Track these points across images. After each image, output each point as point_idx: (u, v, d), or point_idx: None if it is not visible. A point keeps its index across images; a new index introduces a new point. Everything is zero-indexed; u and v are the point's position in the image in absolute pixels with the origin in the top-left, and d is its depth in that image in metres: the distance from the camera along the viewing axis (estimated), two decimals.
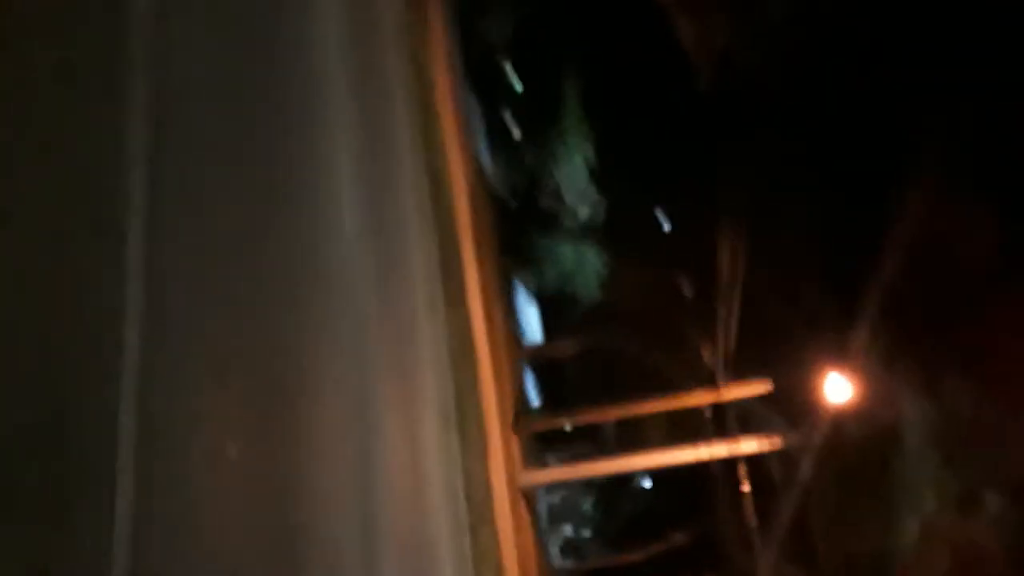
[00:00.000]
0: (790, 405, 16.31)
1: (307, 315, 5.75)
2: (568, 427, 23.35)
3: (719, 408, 18.30)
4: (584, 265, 22.97)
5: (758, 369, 17.50)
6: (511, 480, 16.84)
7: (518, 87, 22.51)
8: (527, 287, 26.18)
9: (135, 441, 3.40)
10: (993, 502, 11.46)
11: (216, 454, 4.04)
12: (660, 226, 22.75)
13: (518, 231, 22.11)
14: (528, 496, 19.87)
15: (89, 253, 3.51)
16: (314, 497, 5.21)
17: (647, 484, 29.15)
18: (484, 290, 15.83)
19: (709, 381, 17.93)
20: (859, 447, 13.12)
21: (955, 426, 12.20)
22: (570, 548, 36.85)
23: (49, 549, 3.01)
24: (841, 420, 14.21)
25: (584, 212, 22.30)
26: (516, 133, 22.69)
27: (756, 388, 17.68)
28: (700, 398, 18.58)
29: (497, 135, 22.41)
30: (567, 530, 36.50)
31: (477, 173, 18.86)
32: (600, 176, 21.45)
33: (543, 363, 26.99)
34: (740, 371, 17.53)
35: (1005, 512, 11.28)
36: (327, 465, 5.53)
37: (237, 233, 4.76)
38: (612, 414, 20.85)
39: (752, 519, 16.96)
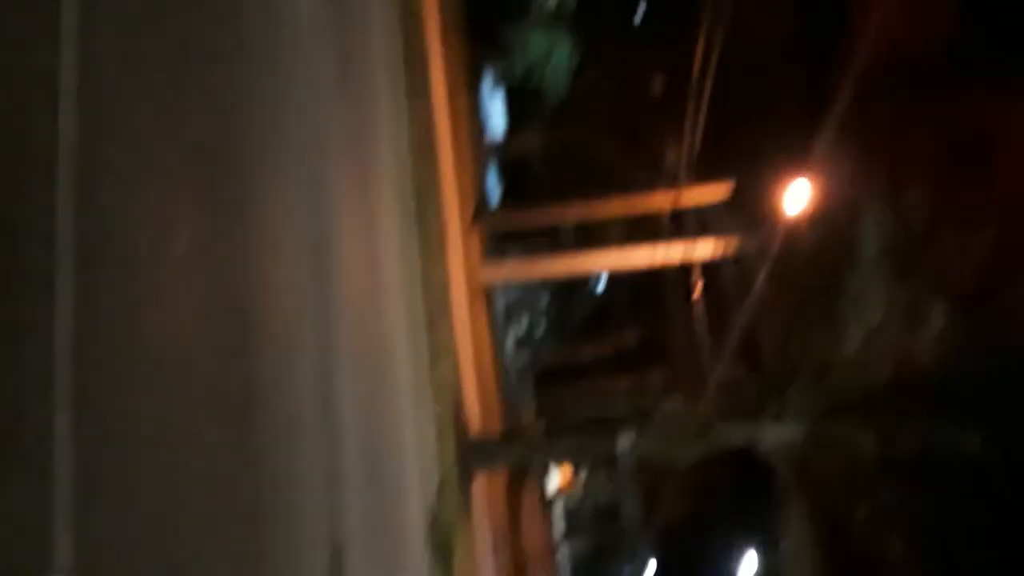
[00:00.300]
0: (749, 211, 16.32)
1: (259, 104, 5.39)
2: (528, 224, 23.37)
3: (678, 211, 18.33)
4: (554, 56, 22.23)
5: (720, 173, 17.42)
6: (469, 276, 16.92)
7: None
8: (494, 77, 25.41)
9: (73, 237, 3.17)
10: (939, 316, 11.76)
11: (162, 249, 3.83)
12: (632, 19, 21.90)
13: (488, 17, 21.15)
14: (487, 294, 20.11)
15: (20, 26, 3.13)
16: (267, 291, 5.07)
17: (602, 285, 29.70)
18: (449, 80, 15.25)
19: (671, 184, 17.83)
20: (814, 255, 13.25)
21: (911, 237, 12.31)
22: (524, 344, 38.01)
23: None
24: (798, 227, 14.28)
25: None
26: None
27: (716, 191, 17.67)
28: (661, 200, 18.57)
29: None
30: (522, 327, 37.51)
31: None
32: None
33: (507, 158, 26.66)
34: (703, 175, 17.43)
35: (950, 326, 11.60)
36: (280, 259, 5.37)
37: (183, 15, 4.34)
38: (572, 213, 20.82)
39: (702, 322, 17.35)
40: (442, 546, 10.65)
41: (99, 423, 3.22)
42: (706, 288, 17.77)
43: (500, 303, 28.43)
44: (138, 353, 3.54)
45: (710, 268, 17.76)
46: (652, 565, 41.51)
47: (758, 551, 23.25)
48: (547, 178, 23.79)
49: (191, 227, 4.05)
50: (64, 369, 3.05)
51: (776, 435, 12.30)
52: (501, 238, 25.24)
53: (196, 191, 4.20)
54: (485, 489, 15.99)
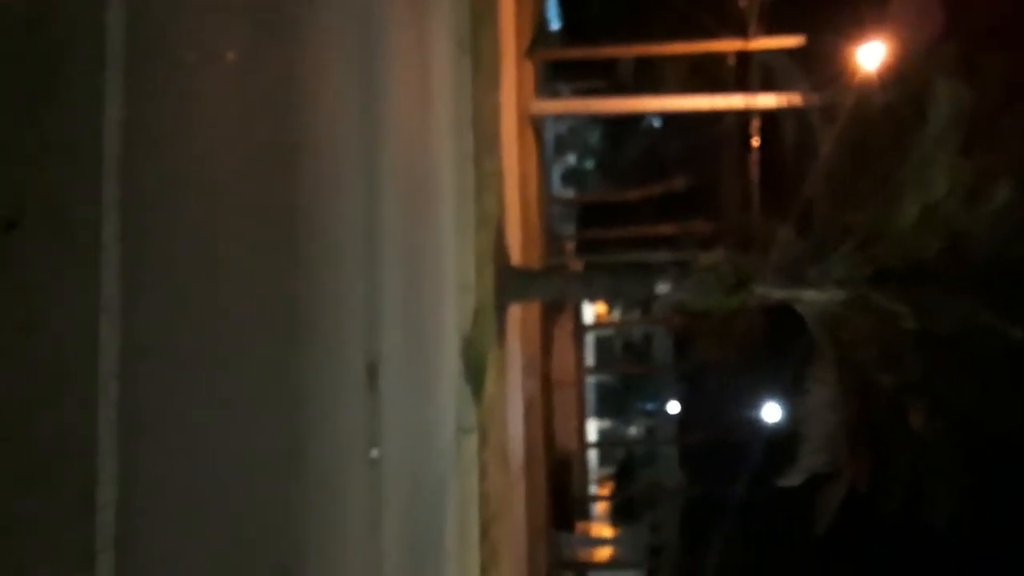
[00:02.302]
0: (819, 66, 15.69)
1: None
2: (586, 58, 22.68)
3: (744, 59, 17.68)
4: None
5: (793, 25, 16.69)
6: (521, 107, 16.65)
7: None
8: None
9: (124, 39, 3.14)
10: (1002, 194, 11.40)
11: (213, 58, 3.80)
12: None
13: None
14: (536, 126, 19.81)
15: None
16: (315, 111, 5.04)
17: (656, 124, 29.06)
18: None
19: (740, 29, 17.13)
20: (880, 120, 12.79)
21: (984, 111, 11.80)
22: (572, 177, 37.76)
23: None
24: (868, 89, 13.75)
25: None
26: None
27: (786, 41, 17.00)
28: (728, 44, 17.92)
29: None
30: (571, 160, 37.17)
31: None
32: None
33: None
34: (773, 25, 16.72)
35: (1012, 206, 11.25)
36: (329, 78, 5.30)
37: None
38: (634, 51, 20.17)
39: (756, 175, 17.07)
40: (475, 368, 11.00)
41: (145, 222, 3.29)
42: (764, 141, 17.34)
43: (550, 135, 28.03)
44: (184, 158, 3.57)
45: (771, 121, 17.28)
46: (675, 404, 42.74)
47: (781, 404, 23.74)
48: (611, 11, 22.87)
49: (241, 38, 4.00)
50: (112, 168, 3.08)
51: (815, 296, 12.27)
52: (557, 72, 24.58)
53: (246, 4, 4.12)
54: (520, 316, 16.33)
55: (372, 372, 6.40)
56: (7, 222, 2.74)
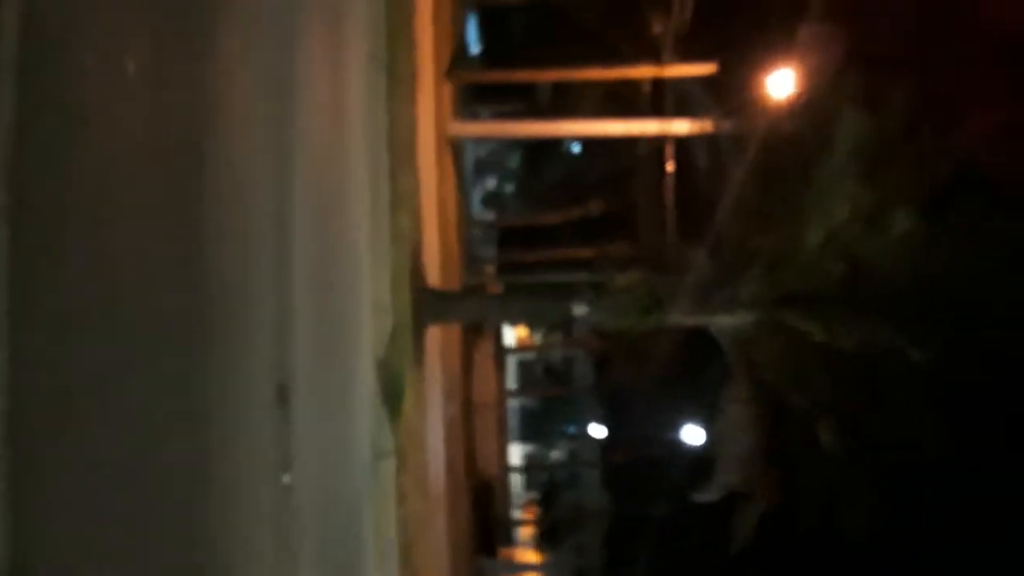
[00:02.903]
0: (730, 94, 16.12)
1: None
2: (504, 81, 22.89)
3: (659, 85, 18.07)
4: None
5: (706, 53, 17.13)
6: (439, 128, 16.66)
7: None
8: None
9: (16, 46, 3.03)
10: (902, 222, 11.84)
11: (113, 64, 3.69)
12: None
13: None
14: (455, 147, 19.87)
15: None
16: (223, 121, 4.95)
17: (575, 149, 29.40)
18: None
19: (654, 57, 17.52)
20: (787, 147, 13.18)
21: (885, 140, 12.25)
22: (492, 201, 37.95)
23: None
24: (776, 117, 14.15)
25: None
26: None
27: (699, 69, 17.43)
28: (643, 71, 18.29)
29: None
30: (491, 183, 37.38)
31: None
32: None
33: (489, 8, 25.83)
34: (687, 52, 17.14)
35: (911, 232, 11.70)
36: (237, 88, 5.22)
37: None
38: (552, 75, 20.44)
39: (670, 200, 17.41)
40: (391, 391, 10.87)
41: (35, 239, 3.17)
42: (679, 166, 17.72)
43: (470, 158, 28.12)
44: (80, 167, 3.45)
45: (684, 146, 17.66)
46: (597, 427, 42.97)
47: (701, 424, 24.05)
48: (527, 38, 23.18)
49: (144, 45, 3.90)
50: (1, 174, 2.98)
51: (727, 318, 12.53)
52: (475, 95, 24.75)
53: (150, 12, 4.03)
54: (440, 338, 16.25)
55: (282, 393, 6.27)
56: None
